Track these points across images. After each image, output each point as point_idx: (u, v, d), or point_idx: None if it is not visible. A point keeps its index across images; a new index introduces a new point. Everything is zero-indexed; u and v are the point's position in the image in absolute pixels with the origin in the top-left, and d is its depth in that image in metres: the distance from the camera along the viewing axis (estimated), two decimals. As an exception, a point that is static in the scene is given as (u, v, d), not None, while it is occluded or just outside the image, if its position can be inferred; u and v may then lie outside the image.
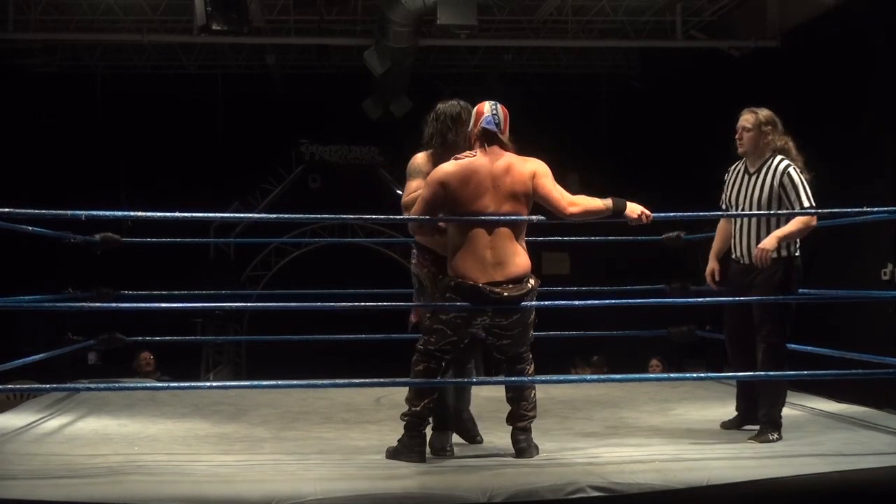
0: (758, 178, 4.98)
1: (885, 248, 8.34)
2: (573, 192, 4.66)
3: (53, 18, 10.75)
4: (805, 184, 4.89)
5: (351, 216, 5.11)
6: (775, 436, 4.79)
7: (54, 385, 6.46)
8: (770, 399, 4.87)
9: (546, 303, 5.06)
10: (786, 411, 5.51)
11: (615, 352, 10.27)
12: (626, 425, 5.25)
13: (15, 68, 12.35)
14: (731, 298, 5.14)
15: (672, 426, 5.21)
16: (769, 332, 4.87)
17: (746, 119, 5.11)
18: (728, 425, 5.18)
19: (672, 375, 5.89)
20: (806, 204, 4.85)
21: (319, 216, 5.17)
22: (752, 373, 5.08)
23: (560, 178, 4.65)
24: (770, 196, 4.91)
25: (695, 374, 5.85)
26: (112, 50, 12.46)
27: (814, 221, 4.87)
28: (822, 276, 8.87)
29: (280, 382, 4.85)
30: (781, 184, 4.89)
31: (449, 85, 13.63)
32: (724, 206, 5.18)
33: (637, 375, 6.12)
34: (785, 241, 4.82)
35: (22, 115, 12.16)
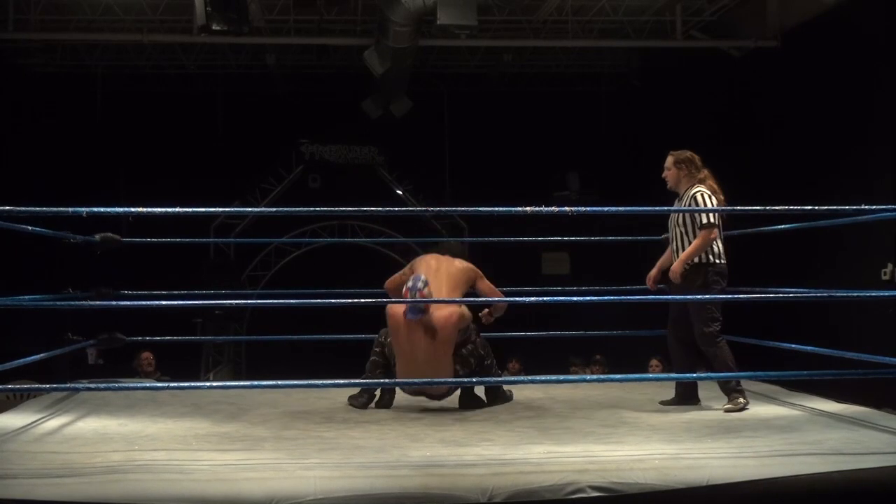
0: (679, 204, 5.92)
1: (885, 248, 8.34)
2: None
3: (53, 18, 10.75)
4: (708, 204, 5.74)
5: (352, 209, 5.14)
6: (741, 400, 5.62)
7: (54, 385, 6.47)
8: (721, 371, 5.66)
9: (546, 298, 5.15)
10: (786, 411, 5.56)
11: (615, 352, 10.27)
12: (625, 425, 5.25)
13: (15, 68, 12.36)
14: (729, 297, 5.66)
15: (672, 426, 5.20)
16: (699, 323, 5.69)
17: (666, 161, 6.00)
18: (667, 402, 5.88)
19: (672, 375, 5.89)
20: (704, 220, 5.69)
21: (320, 209, 5.19)
22: (751, 373, 5.59)
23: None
24: (684, 216, 5.81)
25: (695, 374, 5.84)
26: (112, 50, 12.46)
27: (713, 235, 5.70)
28: (823, 276, 8.90)
29: (280, 382, 4.85)
30: (692, 202, 5.79)
31: (449, 85, 13.68)
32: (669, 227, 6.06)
33: (637, 375, 6.11)
34: (690, 258, 5.72)
35: (22, 115, 12.17)
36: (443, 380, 5.52)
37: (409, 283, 5.65)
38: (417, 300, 5.53)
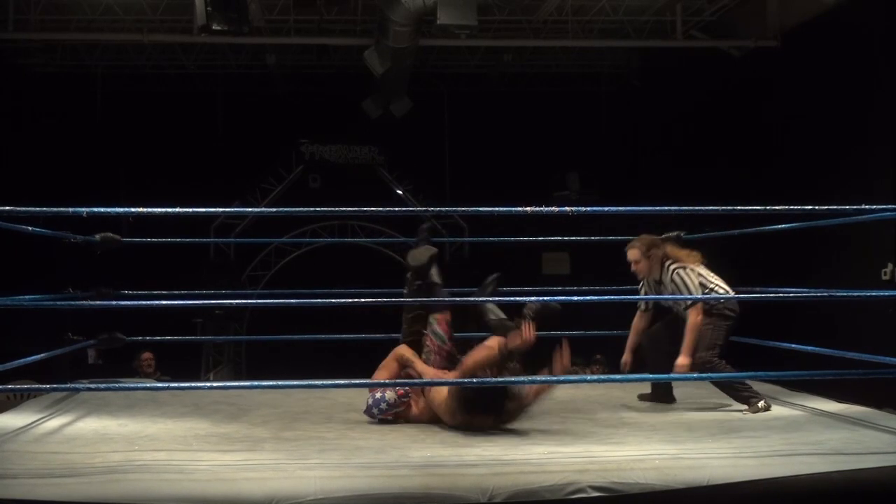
0: (663, 286, 5.90)
1: (885, 248, 8.34)
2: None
3: (53, 18, 10.76)
4: (689, 279, 5.79)
5: (352, 209, 5.15)
6: (761, 403, 5.60)
7: (54, 385, 6.47)
8: (733, 392, 5.77)
9: (545, 298, 5.38)
10: (786, 411, 5.58)
11: (615, 352, 10.25)
12: (626, 425, 5.25)
13: (15, 68, 12.36)
14: (729, 296, 5.73)
15: (672, 426, 5.21)
16: (699, 349, 5.71)
17: (631, 255, 5.97)
18: (644, 397, 6.09)
19: (672, 375, 5.89)
20: (691, 296, 5.70)
21: (320, 209, 5.18)
22: (751, 372, 5.63)
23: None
24: (671, 301, 5.87)
25: (695, 375, 5.84)
26: (112, 50, 12.47)
27: (699, 315, 5.67)
28: (823, 276, 8.90)
29: (280, 383, 4.85)
30: (675, 284, 5.81)
31: (449, 85, 13.68)
32: (641, 307, 6.15)
33: (637, 375, 6.10)
34: (691, 349, 5.65)
35: (22, 115, 12.16)
36: (444, 380, 5.50)
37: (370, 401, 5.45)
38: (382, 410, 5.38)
